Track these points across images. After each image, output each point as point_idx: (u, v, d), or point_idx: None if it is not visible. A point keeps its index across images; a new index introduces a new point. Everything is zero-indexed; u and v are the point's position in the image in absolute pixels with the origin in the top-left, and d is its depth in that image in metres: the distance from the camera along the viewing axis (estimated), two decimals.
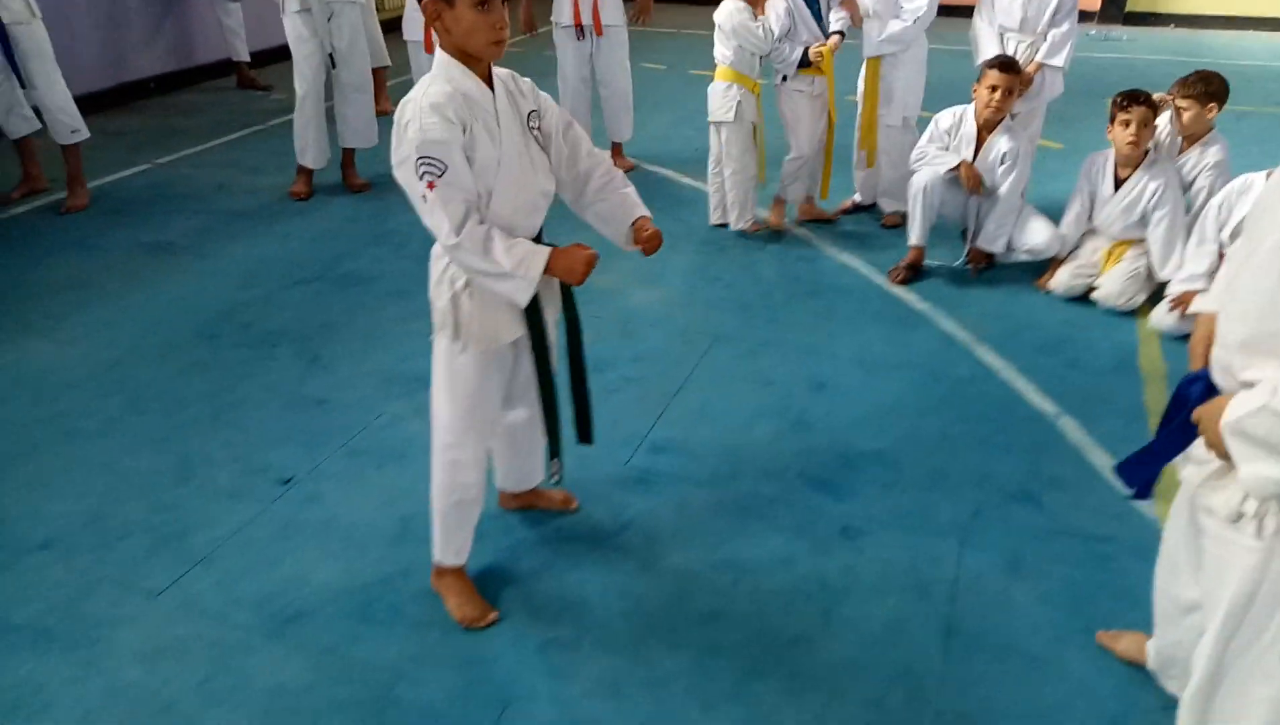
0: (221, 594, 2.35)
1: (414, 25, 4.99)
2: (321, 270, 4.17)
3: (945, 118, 4.04)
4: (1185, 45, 8.85)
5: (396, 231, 4.56)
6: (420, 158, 1.85)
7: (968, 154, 3.93)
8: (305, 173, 5.03)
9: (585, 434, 2.33)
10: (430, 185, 1.86)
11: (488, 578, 2.40)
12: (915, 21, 4.20)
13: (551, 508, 2.64)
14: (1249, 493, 1.44)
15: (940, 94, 4.80)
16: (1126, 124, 3.59)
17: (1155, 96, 3.72)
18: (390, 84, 6.67)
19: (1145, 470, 1.76)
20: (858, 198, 4.79)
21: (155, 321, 3.71)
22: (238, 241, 4.47)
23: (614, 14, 5.01)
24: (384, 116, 6.16)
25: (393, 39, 7.21)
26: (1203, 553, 1.61)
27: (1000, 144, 3.90)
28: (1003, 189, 3.88)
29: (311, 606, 2.32)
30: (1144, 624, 2.14)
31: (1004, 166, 3.89)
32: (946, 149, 3.99)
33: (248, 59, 7.25)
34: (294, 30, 4.67)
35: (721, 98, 4.27)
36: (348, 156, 5.14)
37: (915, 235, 4.01)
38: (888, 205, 4.63)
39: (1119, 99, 3.64)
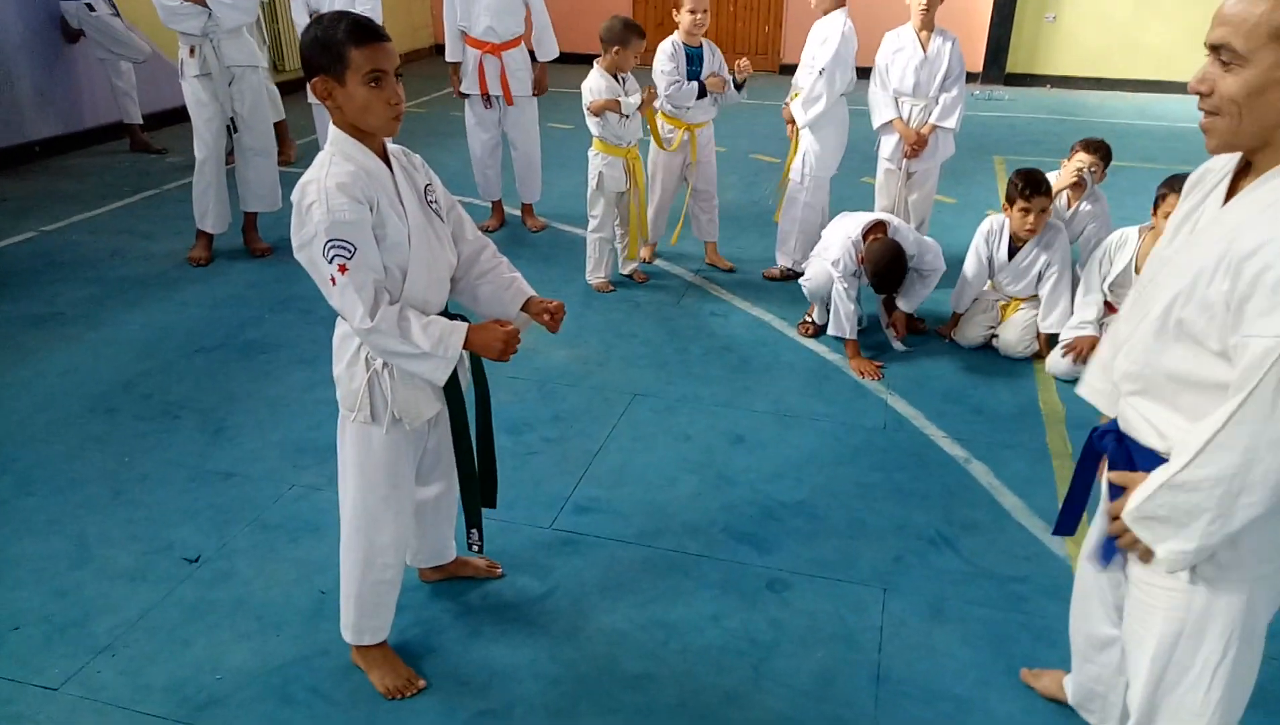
0: (127, 683, 2.21)
1: None
2: (224, 338, 4.04)
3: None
4: (1061, 105, 9.45)
5: (301, 297, 4.45)
6: (330, 241, 1.80)
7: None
8: (205, 237, 4.89)
9: (490, 498, 2.27)
10: (341, 268, 1.81)
11: (411, 649, 2.33)
12: (821, 73, 4.29)
13: (476, 575, 2.58)
14: (1168, 569, 1.50)
15: (846, 155, 4.94)
16: (1026, 211, 3.71)
17: (1062, 171, 3.98)
18: (301, 141, 6.57)
19: (1070, 518, 1.86)
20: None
21: (45, 397, 3.52)
22: (134, 310, 4.30)
23: (523, 85, 5.11)
24: (288, 166, 6.10)
25: (294, 100, 7.15)
26: (1126, 595, 1.66)
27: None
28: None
29: (226, 691, 2.20)
30: (1061, 662, 2.22)
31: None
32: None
33: (140, 121, 7.05)
34: (193, 95, 4.57)
35: (590, 164, 4.45)
36: (249, 220, 5.02)
37: (817, 313, 4.13)
38: (780, 258, 4.77)
39: (1019, 184, 3.70)
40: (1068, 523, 1.88)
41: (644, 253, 4.85)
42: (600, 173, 4.40)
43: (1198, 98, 1.40)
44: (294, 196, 1.86)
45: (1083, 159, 4.00)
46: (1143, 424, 1.56)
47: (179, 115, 7.55)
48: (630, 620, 2.45)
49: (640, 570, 2.64)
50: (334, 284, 1.82)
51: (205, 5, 4.35)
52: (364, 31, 1.81)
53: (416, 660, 2.30)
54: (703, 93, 4.43)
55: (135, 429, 3.31)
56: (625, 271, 4.73)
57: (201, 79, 4.54)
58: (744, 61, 4.44)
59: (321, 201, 1.80)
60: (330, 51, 1.80)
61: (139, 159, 6.87)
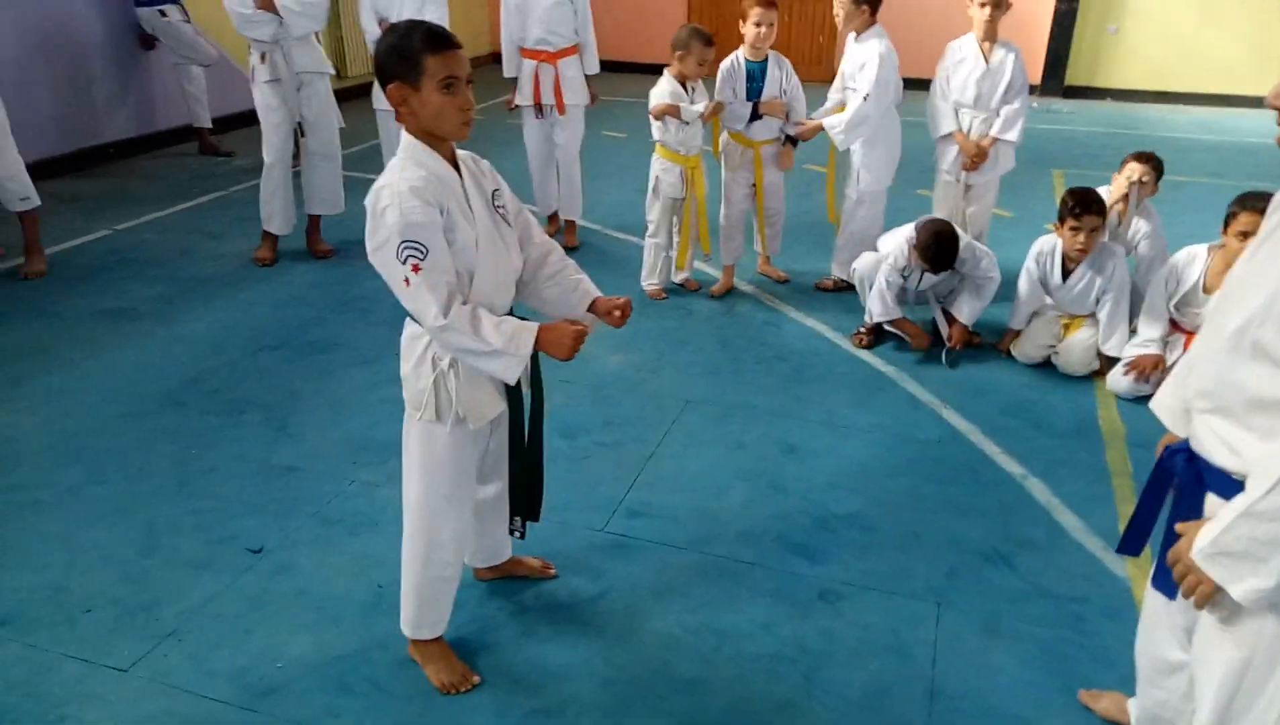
0: (193, 668, 2.28)
1: (384, 94, 5.04)
2: (287, 337, 4.14)
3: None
4: (1121, 118, 9.28)
5: (362, 298, 4.55)
6: (404, 242, 1.85)
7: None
8: (270, 239, 5.02)
9: (534, 512, 2.28)
10: (415, 268, 1.86)
11: (466, 646, 2.37)
12: (865, 99, 4.27)
13: (530, 575, 2.61)
14: (1246, 607, 1.44)
15: (902, 166, 4.91)
16: (1076, 231, 3.66)
17: (1114, 184, 3.91)
18: (357, 148, 6.71)
19: (1136, 539, 1.82)
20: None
21: (117, 389, 3.64)
22: (202, 308, 4.43)
23: (576, 94, 5.12)
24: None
25: (358, 105, 7.31)
26: (1196, 618, 1.62)
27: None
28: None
29: (286, 679, 2.26)
30: (1120, 684, 2.19)
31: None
32: (904, 278, 4.01)
33: (209, 125, 7.26)
34: (264, 100, 4.70)
35: (651, 169, 4.47)
36: (313, 223, 5.15)
37: (869, 314, 4.12)
38: (834, 270, 4.76)
39: (1071, 203, 3.65)
40: (1133, 543, 1.84)
41: (721, 281, 4.73)
42: (657, 177, 4.44)
43: (1277, 113, 1.37)
44: (368, 202, 1.92)
45: (1134, 169, 3.93)
46: (1215, 442, 1.52)
47: (246, 119, 7.79)
48: (682, 625, 2.46)
49: (692, 576, 2.65)
50: (408, 285, 1.87)
51: (277, 13, 4.47)
52: (439, 40, 1.86)
53: (471, 657, 2.34)
54: (755, 115, 4.38)
55: (202, 423, 3.41)
56: (677, 280, 4.75)
57: (272, 85, 4.66)
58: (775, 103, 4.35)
59: (395, 205, 1.86)
60: (406, 59, 1.85)
61: (207, 162, 7.07)
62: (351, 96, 7.63)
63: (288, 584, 2.59)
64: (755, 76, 4.37)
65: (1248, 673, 1.50)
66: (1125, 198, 3.94)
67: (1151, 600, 1.86)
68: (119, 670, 2.27)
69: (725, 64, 4.40)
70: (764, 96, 4.36)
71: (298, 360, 3.93)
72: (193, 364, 3.86)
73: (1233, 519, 1.39)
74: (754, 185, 4.59)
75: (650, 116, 4.36)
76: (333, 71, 4.92)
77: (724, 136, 4.54)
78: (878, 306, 4.01)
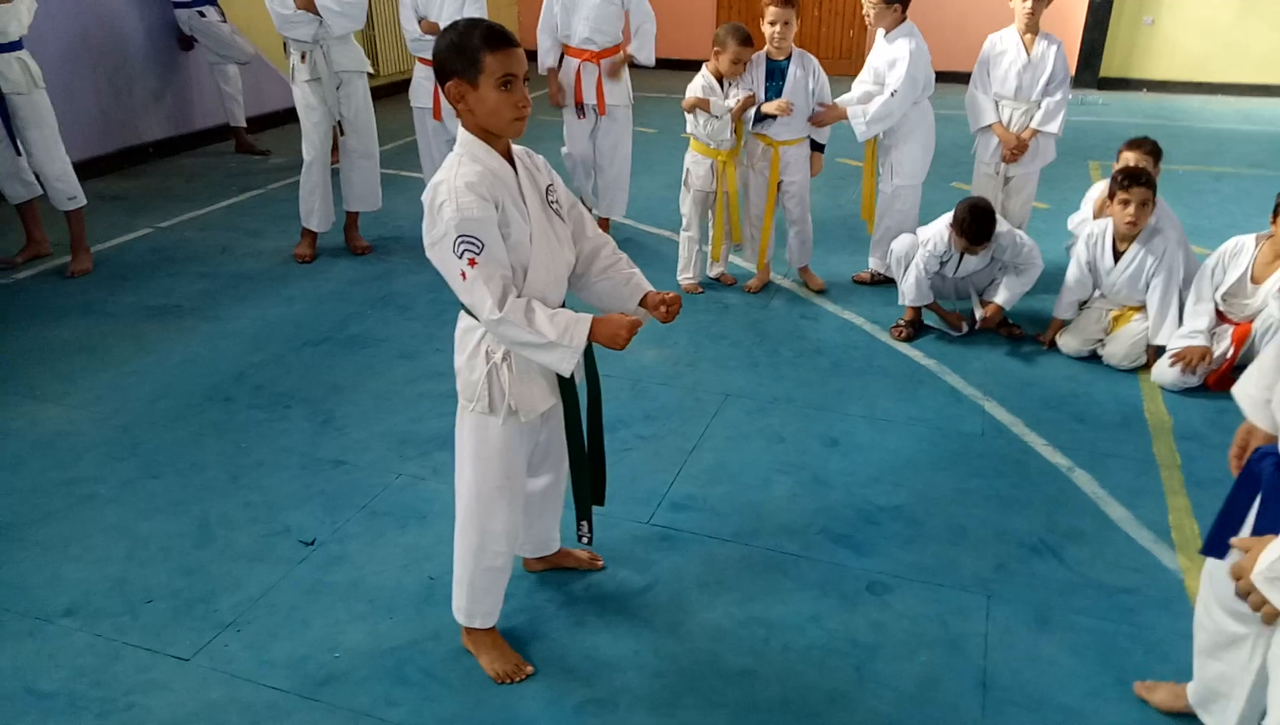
0: (253, 657, 2.32)
1: (422, 92, 5.08)
2: (329, 332, 4.20)
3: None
4: (1159, 109, 9.17)
5: (401, 293, 4.60)
6: (460, 236, 1.88)
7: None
8: (310, 236, 5.08)
9: (599, 496, 2.33)
10: (471, 261, 1.89)
11: (519, 635, 2.40)
12: (893, 95, 4.24)
13: (579, 567, 2.64)
14: None
15: (937, 159, 4.89)
16: (1126, 203, 3.65)
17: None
18: (393, 146, 6.77)
19: (1221, 540, 1.77)
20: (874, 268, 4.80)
21: (166, 384, 3.71)
22: (244, 304, 4.49)
23: (618, 95, 5.09)
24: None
25: (391, 103, 7.37)
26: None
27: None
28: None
29: (343, 669, 2.30)
30: (1174, 675, 2.18)
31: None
32: (942, 264, 4.01)
33: (245, 124, 7.35)
34: (303, 99, 4.76)
35: (685, 164, 4.47)
36: (351, 220, 5.20)
37: (904, 298, 4.10)
38: (872, 262, 4.74)
39: (1119, 177, 3.68)
40: (1218, 545, 1.79)
41: (753, 282, 4.69)
42: (688, 170, 4.45)
43: None
44: (425, 198, 1.94)
45: (1128, 158, 3.90)
46: None
47: (281, 118, 7.91)
48: (730, 617, 2.48)
49: (738, 568, 2.67)
50: (464, 278, 1.90)
51: (317, 13, 4.52)
52: (498, 38, 1.89)
53: (523, 646, 2.36)
54: (760, 116, 4.29)
55: (250, 417, 3.46)
56: (712, 274, 4.76)
57: (311, 84, 4.72)
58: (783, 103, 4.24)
59: (451, 200, 1.88)
60: (466, 56, 1.88)
61: (244, 160, 7.16)
62: (385, 95, 7.70)
63: (341, 576, 2.63)
64: (776, 75, 4.30)
65: None
66: (1111, 184, 3.88)
67: (1210, 575, 1.86)
68: (181, 659, 2.32)
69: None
70: (784, 96, 4.25)
71: (339, 355, 3.98)
72: (238, 359, 3.92)
73: None
74: (774, 186, 4.47)
75: (683, 109, 4.37)
76: (371, 70, 4.97)
77: (746, 133, 4.46)
78: (911, 290, 4.01)
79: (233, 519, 2.88)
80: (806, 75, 4.33)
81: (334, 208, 5.12)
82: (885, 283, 4.63)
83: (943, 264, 3.99)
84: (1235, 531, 1.76)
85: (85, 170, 5.61)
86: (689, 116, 4.36)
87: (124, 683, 2.24)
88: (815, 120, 4.38)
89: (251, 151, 7.28)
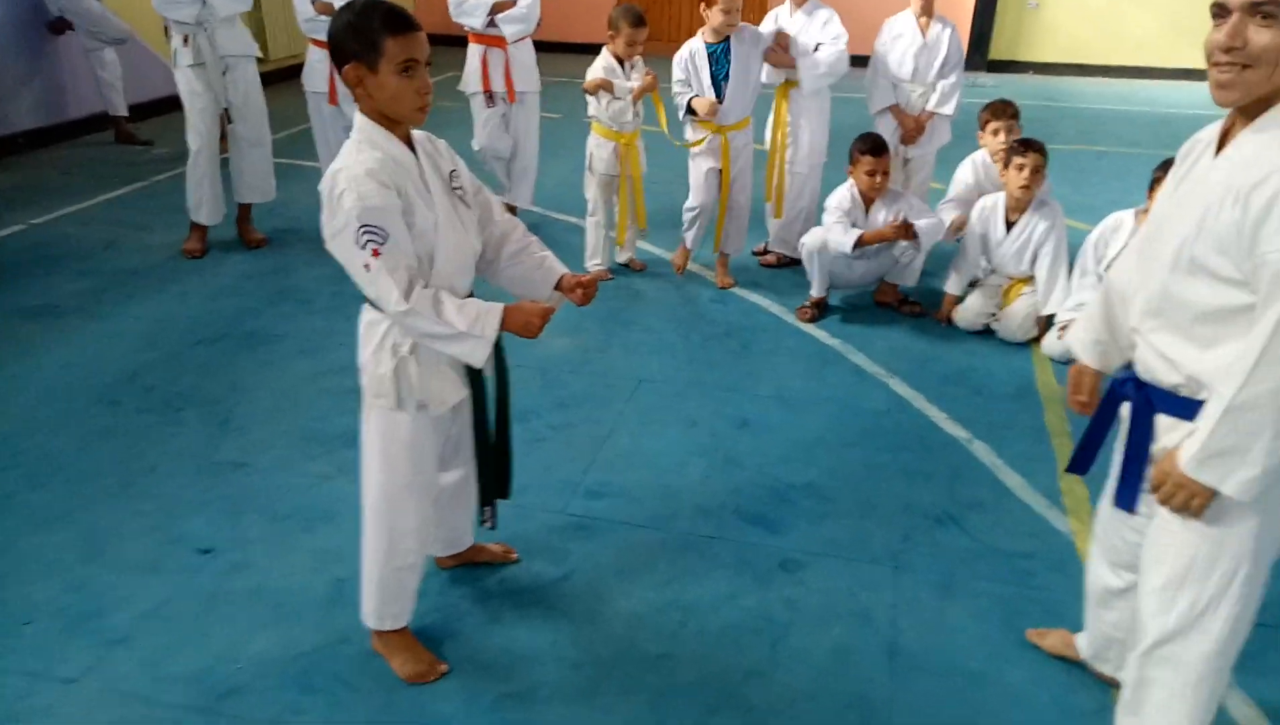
0: (148, 674, 2.21)
1: (316, 76, 4.90)
2: (224, 329, 4.03)
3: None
4: (1044, 91, 9.53)
5: (300, 287, 4.45)
6: (362, 226, 1.81)
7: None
8: (199, 229, 4.86)
9: (504, 489, 2.30)
10: (375, 253, 1.82)
11: (431, 635, 2.35)
12: (839, 53, 4.26)
13: (493, 561, 2.60)
14: (1240, 498, 1.55)
15: (838, 143, 4.95)
16: (1021, 168, 3.80)
17: (988, 144, 4.12)
18: (286, 133, 6.53)
19: (1086, 458, 1.97)
20: (770, 244, 4.85)
21: (47, 390, 3.50)
22: (132, 302, 4.27)
23: (528, 80, 5.00)
24: None
25: (284, 88, 7.10)
26: (1147, 532, 1.76)
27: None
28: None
29: (246, 680, 2.21)
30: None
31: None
32: (853, 224, 4.05)
33: (126, 113, 6.98)
34: (187, 85, 4.54)
35: (587, 147, 4.43)
36: (244, 211, 5.00)
37: (815, 288, 4.17)
38: (776, 245, 4.79)
39: (1015, 144, 3.86)
40: (1082, 463, 1.98)
41: (675, 261, 4.67)
42: (591, 154, 4.42)
43: (1217, 57, 1.49)
44: (323, 187, 1.86)
45: (996, 126, 4.17)
46: (1157, 360, 1.66)
47: (164, 106, 7.54)
48: (647, 602, 2.48)
49: (655, 553, 2.67)
50: (368, 270, 1.83)
51: None
52: (400, 21, 1.81)
53: (437, 645, 2.31)
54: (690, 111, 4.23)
55: (141, 421, 3.30)
56: (621, 260, 4.74)
57: (195, 69, 4.50)
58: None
59: (351, 189, 1.81)
60: (364, 38, 1.80)
61: (126, 151, 6.80)
62: (277, 80, 7.41)
63: (243, 583, 2.53)
64: (718, 59, 4.19)
65: (1195, 564, 1.64)
66: (1006, 154, 3.99)
67: (1100, 528, 2.02)
68: (68, 681, 2.19)
69: (681, 56, 4.23)
70: (732, 78, 4.16)
71: (237, 353, 3.82)
72: (126, 361, 3.73)
73: (1215, 422, 1.51)
74: (720, 173, 4.37)
75: (584, 91, 4.32)
76: (259, 54, 4.76)
77: (692, 130, 4.35)
78: (840, 235, 3.94)
79: (124, 529, 2.74)
80: (747, 48, 4.21)
81: (224, 199, 4.91)
82: (791, 265, 4.69)
83: (851, 220, 4.03)
84: (1097, 450, 1.95)
85: None
86: (590, 99, 4.32)
87: (0, 711, 2.11)
88: (772, 60, 4.34)
89: (133, 142, 6.92)
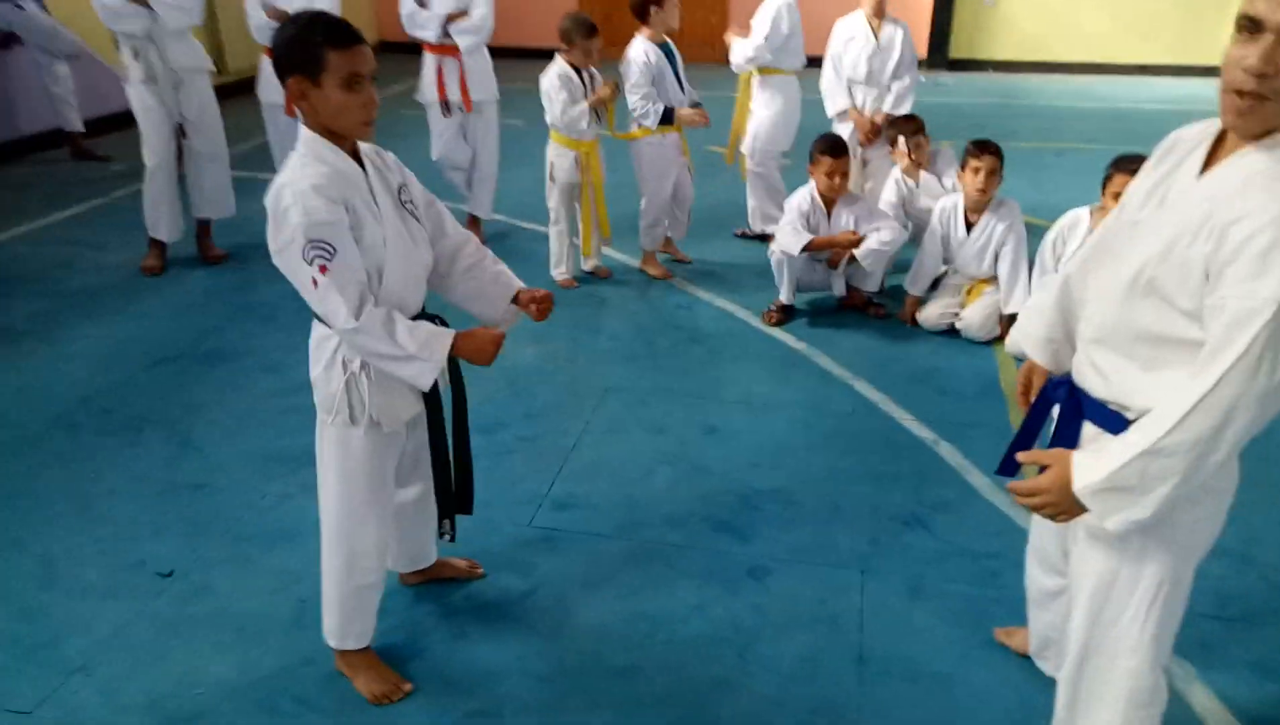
0: (105, 703, 2.17)
1: (271, 87, 4.85)
2: (184, 348, 3.97)
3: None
4: (1004, 89, 9.63)
5: (263, 303, 4.39)
6: (309, 242, 1.78)
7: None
8: (158, 246, 4.79)
9: (466, 504, 2.28)
10: (322, 269, 1.79)
11: (397, 653, 2.32)
12: (766, 39, 4.50)
13: (458, 576, 2.57)
14: (1116, 532, 1.52)
15: (801, 144, 5.00)
16: (977, 171, 3.85)
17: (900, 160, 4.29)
18: (244, 147, 6.45)
19: (1013, 461, 1.92)
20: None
21: (2, 415, 3.43)
22: (89, 323, 4.20)
23: (484, 89, 4.96)
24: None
25: (241, 101, 7.01)
26: (1075, 542, 1.73)
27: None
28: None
29: (209, 705, 2.17)
30: None
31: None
32: (815, 227, 4.08)
33: (81, 128, 6.87)
34: (140, 101, 4.46)
35: (547, 156, 4.42)
36: (203, 227, 4.93)
37: (783, 294, 4.18)
38: (755, 223, 5.03)
39: (971, 146, 3.90)
40: (1011, 466, 1.93)
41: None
42: (552, 163, 4.40)
43: (1240, 81, 1.34)
44: (268, 201, 1.83)
45: (902, 142, 4.34)
46: (1091, 372, 1.63)
47: (122, 121, 7.39)
48: (614, 614, 2.46)
49: (622, 564, 2.66)
50: (315, 286, 1.80)
51: (148, 6, 4.24)
52: (343, 34, 1.79)
53: (402, 664, 2.29)
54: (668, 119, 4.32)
55: (98, 444, 3.24)
56: (586, 268, 4.72)
57: (147, 84, 4.43)
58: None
59: (298, 204, 1.78)
60: (307, 52, 1.77)
61: (81, 167, 6.70)
62: (233, 93, 7.32)
63: (203, 606, 2.49)
64: (672, 56, 4.35)
65: (1117, 581, 1.62)
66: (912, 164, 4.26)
67: (1035, 532, 2.04)
68: (21, 713, 2.15)
69: (639, 59, 4.25)
70: (680, 72, 4.37)
71: (197, 372, 3.76)
72: (82, 383, 3.66)
73: (1128, 458, 1.43)
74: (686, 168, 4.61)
75: (546, 101, 4.28)
76: (212, 68, 4.70)
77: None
78: (790, 237, 3.99)
79: (81, 554, 2.68)
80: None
81: (183, 215, 4.84)
82: (763, 239, 4.80)
83: (810, 222, 4.06)
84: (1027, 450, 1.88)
85: None
86: (548, 107, 4.28)
87: None
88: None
89: (89, 158, 6.82)
